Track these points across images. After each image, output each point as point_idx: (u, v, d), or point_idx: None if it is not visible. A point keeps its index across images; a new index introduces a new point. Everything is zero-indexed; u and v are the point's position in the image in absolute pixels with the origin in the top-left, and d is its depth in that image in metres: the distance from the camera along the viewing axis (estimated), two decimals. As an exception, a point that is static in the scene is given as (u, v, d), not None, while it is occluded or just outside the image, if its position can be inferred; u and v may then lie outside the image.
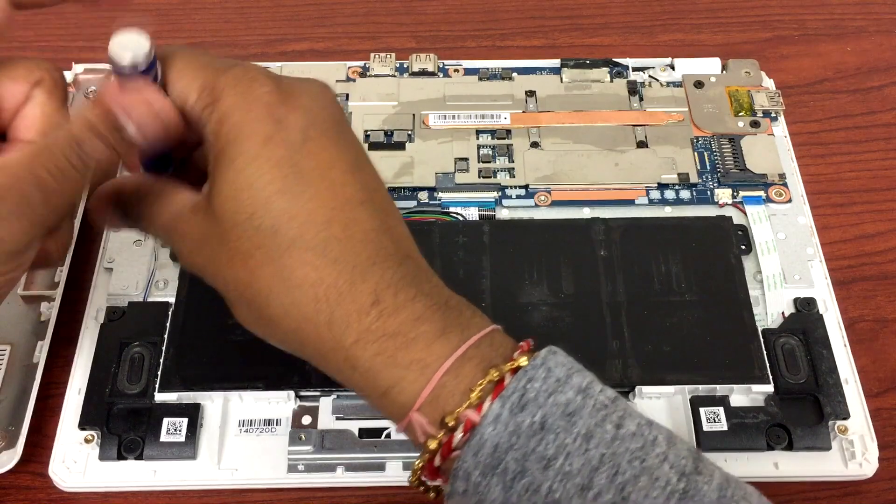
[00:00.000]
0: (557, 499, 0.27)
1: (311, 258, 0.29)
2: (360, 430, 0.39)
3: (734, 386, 0.40)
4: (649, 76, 0.52)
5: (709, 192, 0.47)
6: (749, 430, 0.39)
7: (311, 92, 0.31)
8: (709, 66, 0.53)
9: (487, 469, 0.28)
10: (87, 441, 0.39)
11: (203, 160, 0.31)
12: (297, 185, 0.29)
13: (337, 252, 0.29)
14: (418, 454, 0.30)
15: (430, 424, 0.29)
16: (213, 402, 0.40)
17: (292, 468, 0.39)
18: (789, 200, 0.47)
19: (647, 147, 0.49)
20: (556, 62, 0.53)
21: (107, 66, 0.53)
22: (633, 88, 0.52)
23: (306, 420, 0.40)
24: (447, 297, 0.31)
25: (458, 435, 0.28)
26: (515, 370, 0.29)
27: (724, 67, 0.53)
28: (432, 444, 0.29)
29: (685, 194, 0.47)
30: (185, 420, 0.39)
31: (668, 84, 0.52)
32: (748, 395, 0.40)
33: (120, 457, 0.39)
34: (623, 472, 0.27)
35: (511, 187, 0.47)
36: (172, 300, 0.42)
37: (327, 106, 0.31)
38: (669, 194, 0.47)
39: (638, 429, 0.28)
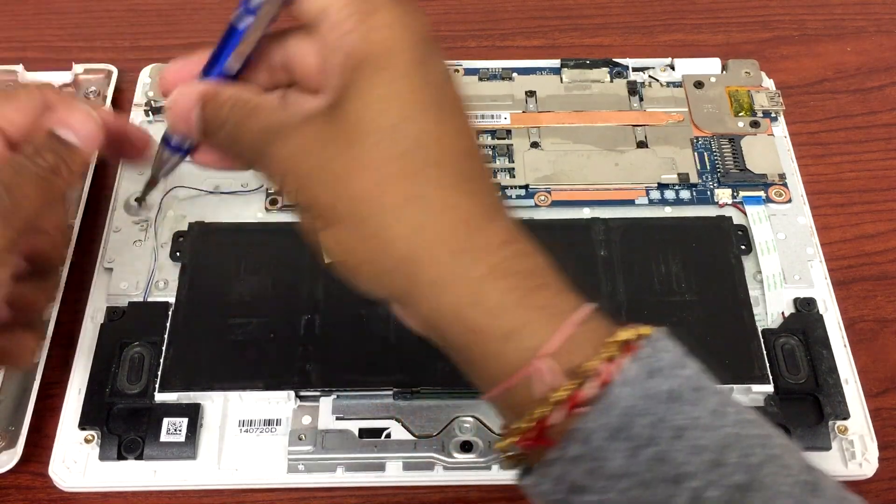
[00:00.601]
0: (686, 472, 0.25)
1: (451, 182, 0.27)
2: (360, 430, 0.39)
3: (734, 386, 0.40)
4: (649, 76, 0.52)
5: (709, 193, 0.47)
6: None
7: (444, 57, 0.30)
8: (709, 66, 0.53)
9: (614, 432, 0.25)
10: (87, 441, 0.39)
11: (304, 71, 0.31)
12: (440, 112, 0.28)
13: (475, 184, 0.28)
14: (503, 426, 0.28)
15: (558, 373, 0.26)
16: (213, 402, 0.40)
17: (292, 468, 0.39)
18: (789, 200, 0.47)
19: (647, 147, 0.49)
20: (556, 62, 0.53)
21: (107, 67, 0.53)
22: (633, 88, 0.52)
23: (306, 420, 0.40)
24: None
25: (589, 388, 0.26)
26: (639, 337, 0.27)
27: (724, 67, 0.53)
28: (558, 396, 0.26)
29: (685, 194, 0.47)
30: (185, 420, 0.39)
31: (668, 84, 0.52)
32: (748, 395, 0.40)
33: (120, 457, 0.39)
34: (753, 455, 0.25)
35: (511, 187, 0.47)
36: (172, 300, 0.42)
37: (455, 76, 0.31)
38: (669, 194, 0.47)
39: (757, 417, 0.27)
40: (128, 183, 0.48)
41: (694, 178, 0.48)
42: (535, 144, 0.49)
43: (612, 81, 0.52)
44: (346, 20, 0.29)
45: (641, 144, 0.49)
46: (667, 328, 0.28)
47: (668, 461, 0.25)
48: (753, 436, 0.26)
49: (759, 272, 0.44)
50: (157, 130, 0.50)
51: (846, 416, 0.40)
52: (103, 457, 0.39)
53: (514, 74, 0.52)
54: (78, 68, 0.52)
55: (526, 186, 0.47)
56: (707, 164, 0.48)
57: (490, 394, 0.28)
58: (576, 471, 0.26)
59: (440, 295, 0.27)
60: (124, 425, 0.39)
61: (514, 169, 0.48)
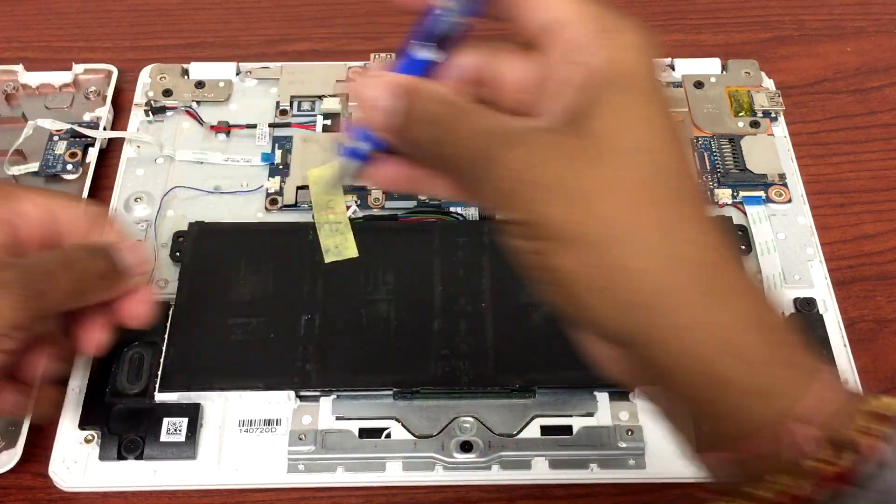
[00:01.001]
0: None
1: (697, 218, 0.26)
2: (360, 430, 0.39)
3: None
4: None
5: (709, 193, 0.47)
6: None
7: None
8: (709, 66, 0.53)
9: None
10: (87, 441, 0.39)
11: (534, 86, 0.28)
12: (680, 143, 0.27)
13: (713, 224, 0.26)
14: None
15: (815, 441, 0.24)
16: (213, 402, 0.40)
17: (292, 468, 0.39)
18: (789, 201, 0.47)
19: (647, 147, 0.49)
20: (556, 62, 0.53)
21: (108, 67, 0.53)
22: (633, 88, 0.52)
23: (306, 420, 0.40)
24: None
25: (851, 463, 0.23)
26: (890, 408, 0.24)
27: (723, 68, 0.53)
28: (817, 466, 0.24)
29: (685, 194, 0.47)
30: (185, 420, 0.39)
31: (668, 84, 0.52)
32: (748, 395, 0.40)
33: (120, 457, 0.39)
34: None
35: (511, 187, 0.47)
36: (172, 300, 0.42)
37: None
38: (669, 194, 0.47)
39: None
40: (127, 182, 0.48)
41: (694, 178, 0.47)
42: (535, 144, 0.49)
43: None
44: (590, 39, 0.27)
45: (641, 144, 0.49)
46: None
47: None
48: None
49: (760, 272, 0.44)
50: (157, 130, 0.50)
51: (846, 416, 0.40)
52: (103, 457, 0.39)
53: (514, 74, 0.52)
54: (78, 68, 0.52)
55: (526, 186, 0.47)
56: (707, 164, 0.48)
57: (721, 453, 0.26)
58: None
59: (688, 339, 0.25)
60: (124, 425, 0.39)
61: (514, 169, 0.48)
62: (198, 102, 0.51)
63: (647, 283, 0.25)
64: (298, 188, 0.47)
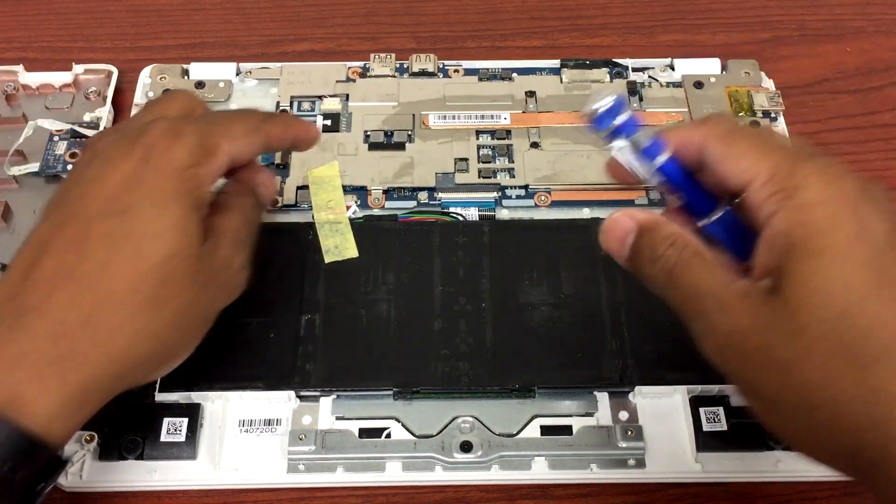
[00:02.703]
0: None
1: None
2: (360, 430, 0.39)
3: (733, 386, 0.40)
4: (649, 76, 0.52)
5: (709, 193, 0.47)
6: (749, 430, 0.39)
7: (887, 201, 0.29)
8: (708, 66, 0.53)
9: None
10: (86, 441, 0.39)
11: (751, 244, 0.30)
12: (887, 291, 0.27)
13: None
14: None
15: None
16: (213, 402, 0.40)
17: (292, 468, 0.39)
18: (789, 200, 0.47)
19: (646, 147, 0.49)
20: (555, 62, 0.53)
21: (108, 67, 0.54)
22: (633, 89, 0.52)
23: (306, 420, 0.40)
24: None
25: None
26: None
27: (723, 68, 0.53)
28: None
29: (685, 194, 0.47)
30: (185, 420, 0.39)
31: (668, 84, 0.52)
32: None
33: (120, 457, 0.39)
34: None
35: (511, 187, 0.47)
36: (172, 300, 0.42)
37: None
38: (669, 194, 0.47)
39: None
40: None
41: (694, 179, 0.48)
42: (534, 145, 0.49)
43: (611, 82, 0.52)
44: (770, 199, 0.28)
45: (641, 144, 0.49)
46: None
47: None
48: None
49: (759, 272, 0.44)
50: (157, 130, 0.50)
51: (846, 416, 0.40)
52: (103, 457, 0.39)
53: (514, 75, 0.52)
54: (78, 68, 0.52)
55: (526, 186, 0.47)
56: (707, 164, 0.48)
57: None
58: None
59: (885, 478, 0.27)
60: (124, 425, 0.39)
61: (514, 169, 0.48)
62: (198, 103, 0.51)
63: (855, 438, 0.26)
64: (298, 188, 0.47)
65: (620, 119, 0.33)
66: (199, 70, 0.52)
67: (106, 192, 0.33)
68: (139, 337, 0.33)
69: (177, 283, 0.33)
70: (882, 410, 0.26)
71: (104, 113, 0.50)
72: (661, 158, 0.32)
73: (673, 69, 0.53)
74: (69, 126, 0.49)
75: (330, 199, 0.45)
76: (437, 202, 0.47)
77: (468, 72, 0.53)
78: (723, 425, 0.39)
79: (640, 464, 0.39)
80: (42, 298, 0.31)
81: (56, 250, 0.32)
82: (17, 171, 0.48)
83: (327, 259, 0.44)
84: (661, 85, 0.52)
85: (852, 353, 0.26)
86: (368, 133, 0.49)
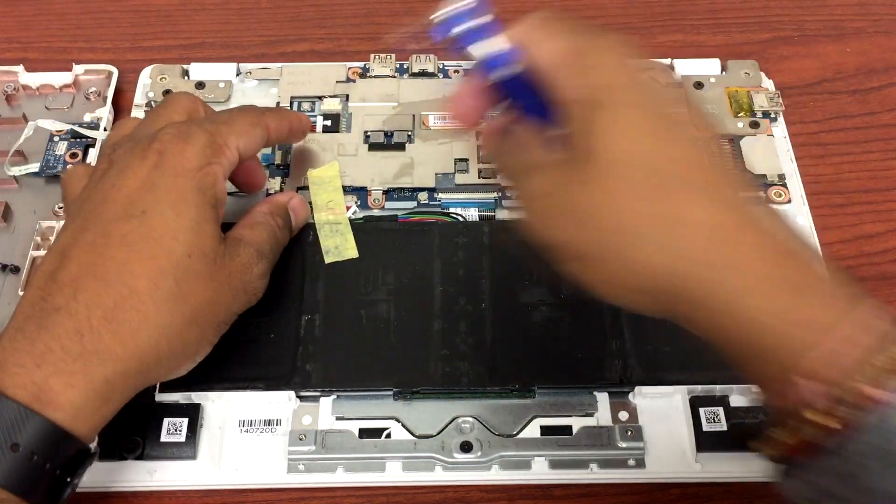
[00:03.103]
0: None
1: (700, 198, 0.29)
2: (360, 430, 0.39)
3: (734, 386, 0.40)
4: (649, 77, 0.52)
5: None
6: (749, 430, 0.39)
7: (658, 70, 0.34)
8: (708, 66, 0.53)
9: (879, 453, 0.25)
10: (87, 441, 0.39)
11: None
12: (670, 131, 0.30)
13: (722, 194, 0.29)
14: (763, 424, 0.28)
15: (818, 394, 0.26)
16: (213, 403, 0.40)
17: (292, 468, 0.39)
18: (789, 201, 0.47)
19: (646, 147, 0.49)
20: (555, 63, 0.53)
21: (108, 67, 0.54)
22: (633, 89, 0.52)
23: (306, 420, 0.40)
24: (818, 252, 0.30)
25: (852, 413, 0.25)
26: None
27: (723, 68, 0.53)
28: (817, 418, 0.26)
29: (685, 195, 0.47)
30: (185, 420, 0.39)
31: (668, 85, 0.52)
32: (748, 395, 0.40)
33: (120, 457, 0.39)
34: None
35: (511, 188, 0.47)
36: (172, 300, 0.42)
37: (671, 87, 0.34)
38: (669, 195, 0.47)
39: None
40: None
41: (694, 179, 0.48)
42: (534, 145, 0.49)
43: (611, 82, 0.52)
44: (569, 74, 0.31)
45: (641, 145, 0.49)
46: None
47: None
48: None
49: (759, 272, 0.44)
50: (157, 131, 0.50)
51: (846, 416, 0.40)
52: (103, 457, 0.38)
53: (514, 75, 0.52)
54: (78, 69, 0.52)
55: (526, 187, 0.47)
56: (707, 164, 0.48)
57: (759, 395, 0.29)
58: (840, 487, 0.26)
59: (701, 309, 0.28)
60: (124, 425, 0.39)
61: (513, 169, 0.48)
62: (198, 103, 0.51)
63: (662, 274, 0.28)
64: (299, 189, 0.47)
65: (479, 20, 0.34)
66: (199, 70, 0.52)
67: (123, 198, 0.35)
68: (160, 333, 0.34)
69: (195, 281, 0.35)
70: (679, 236, 0.28)
71: (104, 113, 0.50)
72: (516, 68, 0.33)
73: (673, 69, 0.53)
74: (69, 126, 0.49)
75: (330, 199, 0.45)
76: (437, 203, 0.47)
77: (468, 72, 0.53)
78: (723, 425, 0.39)
79: (640, 464, 0.39)
80: (67, 299, 0.33)
81: (78, 253, 0.34)
82: (17, 171, 0.48)
83: (327, 259, 0.44)
84: (661, 85, 0.52)
85: (647, 189, 0.29)
86: (368, 133, 0.49)
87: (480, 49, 0.34)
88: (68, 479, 0.33)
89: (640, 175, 0.29)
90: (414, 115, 0.50)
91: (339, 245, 0.44)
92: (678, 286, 0.28)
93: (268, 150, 0.49)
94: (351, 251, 0.44)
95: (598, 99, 0.30)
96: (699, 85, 0.52)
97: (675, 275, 0.28)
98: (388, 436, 0.39)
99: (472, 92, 0.35)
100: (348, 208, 0.46)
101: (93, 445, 0.34)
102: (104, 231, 0.34)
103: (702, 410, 0.40)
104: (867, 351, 0.26)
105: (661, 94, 0.31)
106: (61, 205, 0.46)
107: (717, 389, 0.40)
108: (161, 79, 0.52)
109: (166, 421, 0.39)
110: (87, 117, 0.50)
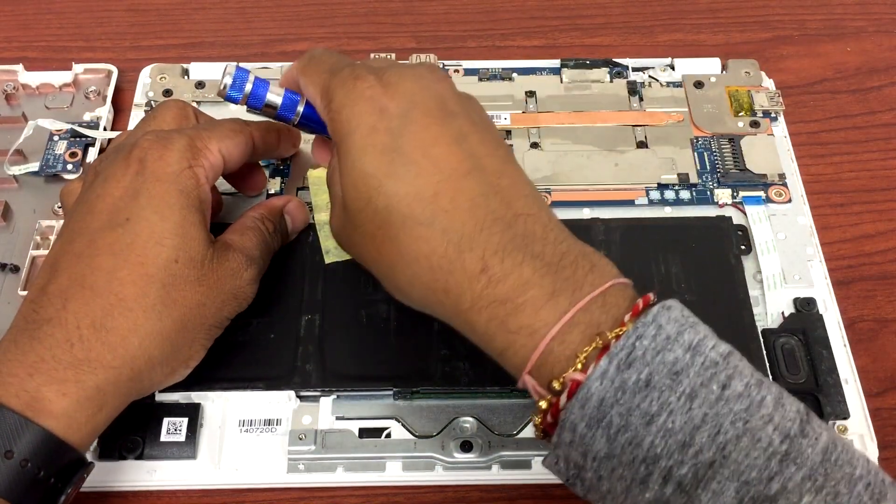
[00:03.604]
0: (658, 454, 0.28)
1: (422, 232, 0.31)
2: (360, 430, 0.39)
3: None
4: (649, 76, 0.52)
5: (708, 193, 0.47)
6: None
7: (415, 75, 0.34)
8: (709, 66, 0.53)
9: (593, 422, 0.29)
10: (87, 441, 0.39)
11: None
12: (402, 168, 0.32)
13: (445, 223, 0.31)
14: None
15: (539, 387, 0.31)
16: (213, 403, 0.40)
17: (292, 468, 0.39)
18: (789, 200, 0.47)
19: (646, 147, 0.49)
20: (555, 62, 0.53)
21: (108, 66, 0.53)
22: (633, 89, 0.52)
23: (306, 420, 0.40)
24: (562, 253, 0.32)
25: (564, 398, 0.29)
26: (617, 336, 0.29)
27: (723, 67, 0.53)
28: (543, 404, 0.30)
29: (685, 194, 0.47)
30: (185, 420, 0.39)
31: (668, 84, 0.52)
32: (748, 395, 0.40)
33: (120, 457, 0.39)
34: (725, 432, 0.28)
35: (511, 187, 0.47)
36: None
37: (430, 86, 0.34)
38: (669, 195, 0.47)
39: (745, 389, 0.29)
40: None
41: (694, 179, 0.48)
42: (534, 145, 0.49)
43: (611, 81, 0.52)
44: (323, 114, 0.36)
45: (641, 144, 0.49)
46: (672, 301, 0.31)
47: (642, 444, 0.28)
48: (731, 413, 0.28)
49: (759, 272, 0.44)
50: (157, 130, 0.50)
51: (846, 416, 0.40)
52: (103, 456, 0.39)
53: (514, 75, 0.52)
54: (78, 68, 0.52)
55: (526, 186, 0.47)
56: (707, 164, 0.48)
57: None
58: (574, 453, 0.30)
59: (452, 324, 0.33)
60: (124, 425, 0.39)
61: (514, 169, 0.48)
62: (198, 103, 0.51)
63: (414, 294, 0.33)
64: (298, 189, 0.47)
65: (248, 87, 0.38)
66: (199, 70, 0.52)
67: (108, 207, 0.35)
68: (150, 339, 0.34)
69: (183, 286, 0.35)
70: (410, 272, 0.32)
71: (104, 112, 0.50)
72: (300, 109, 0.38)
73: (673, 69, 0.53)
74: (69, 126, 0.49)
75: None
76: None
77: (468, 72, 0.53)
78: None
79: (640, 464, 0.39)
80: (57, 309, 0.34)
81: (67, 265, 0.35)
82: (16, 170, 0.48)
83: (327, 260, 0.44)
84: (662, 85, 0.52)
85: (384, 231, 0.32)
86: (368, 133, 0.49)
87: (272, 100, 0.39)
88: (61, 487, 0.33)
89: (377, 219, 0.32)
90: (414, 115, 0.50)
91: (339, 245, 0.44)
92: (430, 308, 0.33)
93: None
94: (351, 251, 0.44)
95: (337, 146, 0.34)
96: (699, 84, 0.52)
97: (423, 299, 0.33)
98: (388, 435, 0.39)
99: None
100: (348, 208, 0.46)
101: (89, 455, 0.34)
102: (90, 241, 0.35)
103: (702, 410, 0.40)
104: (577, 343, 0.30)
105: (396, 115, 0.33)
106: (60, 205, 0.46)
107: (717, 389, 0.40)
108: (161, 78, 0.52)
109: (166, 421, 0.39)
110: (87, 116, 0.50)
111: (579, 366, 0.29)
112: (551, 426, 0.31)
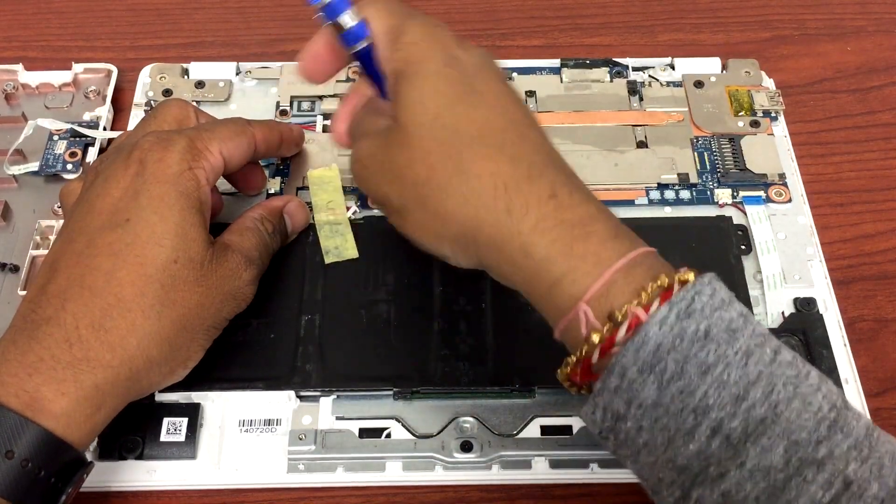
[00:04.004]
0: (710, 405, 0.28)
1: (491, 153, 0.32)
2: (360, 430, 0.39)
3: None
4: (649, 76, 0.52)
5: (709, 193, 0.47)
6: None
7: (482, 51, 0.36)
8: (709, 65, 0.53)
9: (646, 367, 0.29)
10: (87, 441, 0.39)
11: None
12: (474, 98, 0.33)
13: (514, 151, 0.32)
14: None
15: (596, 317, 0.30)
16: (213, 403, 0.40)
17: (292, 468, 0.39)
18: (789, 200, 0.47)
19: (646, 147, 0.49)
20: (555, 62, 0.53)
21: (108, 66, 0.53)
22: (633, 88, 0.52)
23: (306, 420, 0.40)
24: (611, 211, 0.33)
25: (623, 330, 0.29)
26: (684, 282, 0.30)
27: (724, 67, 0.53)
28: (596, 337, 0.30)
29: (685, 194, 0.47)
30: (185, 420, 0.39)
31: (668, 84, 0.52)
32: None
33: (120, 457, 0.39)
34: (778, 392, 0.28)
35: (511, 187, 0.47)
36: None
37: (494, 64, 0.36)
38: (669, 194, 0.47)
39: (794, 359, 0.29)
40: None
41: (694, 178, 0.48)
42: (535, 144, 0.49)
43: (611, 81, 0.52)
44: (383, 49, 0.35)
45: (641, 144, 0.49)
46: (715, 274, 0.31)
47: (695, 395, 0.28)
48: (784, 375, 0.29)
49: (759, 272, 0.44)
50: (156, 130, 0.50)
51: (846, 416, 0.40)
52: (103, 456, 0.39)
53: (514, 74, 0.52)
54: (78, 68, 0.52)
55: (526, 186, 0.47)
56: (707, 163, 0.48)
57: (554, 331, 0.32)
58: (617, 401, 0.30)
59: (498, 253, 0.32)
60: (124, 425, 0.39)
61: (514, 169, 0.48)
62: (198, 102, 0.51)
63: (458, 220, 0.32)
64: (299, 189, 0.47)
65: None
66: (199, 70, 0.52)
67: (108, 207, 0.36)
68: (149, 339, 0.34)
69: (182, 287, 0.35)
70: (472, 187, 0.32)
71: (104, 112, 0.50)
72: (364, 43, 0.36)
73: (673, 68, 0.53)
74: (69, 125, 0.49)
75: (330, 200, 0.45)
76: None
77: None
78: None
79: (640, 464, 0.39)
80: (56, 309, 0.34)
81: (66, 265, 0.35)
82: (16, 170, 0.48)
83: (328, 260, 0.44)
84: (662, 84, 0.52)
85: (446, 147, 0.32)
86: (368, 133, 0.49)
87: (345, 20, 0.36)
88: (61, 487, 0.33)
89: (440, 136, 0.32)
90: (414, 115, 0.50)
91: (339, 246, 0.44)
92: (477, 231, 0.32)
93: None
94: (351, 252, 0.44)
95: (403, 71, 0.34)
96: (699, 84, 0.52)
97: (474, 220, 0.32)
98: (388, 436, 0.39)
99: (325, 51, 0.37)
100: (348, 209, 0.46)
101: (89, 455, 0.34)
102: (90, 241, 0.35)
103: (702, 410, 0.40)
104: (641, 280, 0.30)
105: (469, 64, 0.34)
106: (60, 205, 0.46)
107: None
108: (161, 78, 0.52)
109: (166, 421, 0.39)
110: (87, 116, 0.50)
111: (644, 300, 0.29)
112: (586, 370, 0.31)
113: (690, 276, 0.30)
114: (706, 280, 0.30)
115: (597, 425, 0.31)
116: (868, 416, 0.30)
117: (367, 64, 0.36)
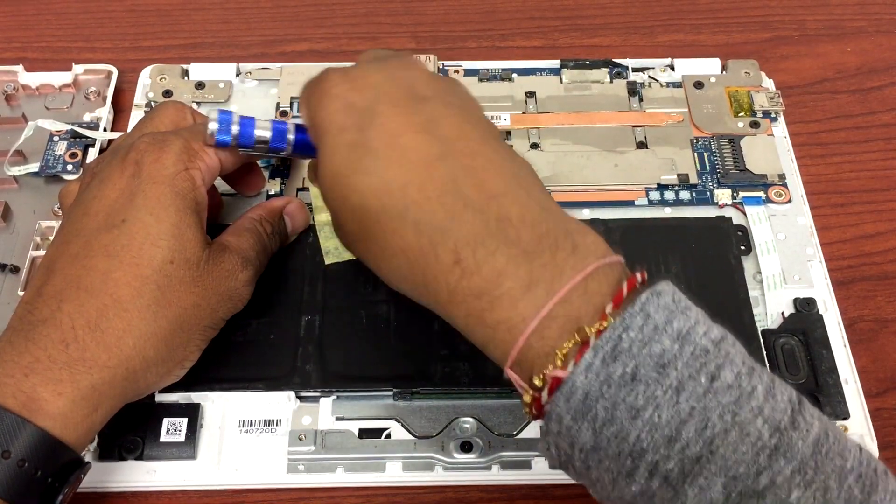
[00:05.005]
0: (644, 448, 0.28)
1: (396, 226, 0.31)
2: (360, 430, 0.39)
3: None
4: (649, 77, 0.52)
5: (708, 193, 0.47)
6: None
7: (381, 66, 0.34)
8: (709, 66, 0.53)
9: (578, 415, 0.28)
10: (87, 441, 0.39)
11: None
12: (370, 162, 0.31)
13: (416, 215, 0.30)
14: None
15: (521, 381, 0.30)
16: (213, 403, 0.40)
17: (292, 468, 0.39)
18: (789, 201, 0.47)
19: (646, 148, 0.49)
20: (555, 63, 0.53)
21: (108, 67, 0.54)
22: (633, 89, 0.52)
23: (306, 420, 0.40)
24: (541, 235, 0.30)
25: (545, 394, 0.29)
26: (602, 331, 0.28)
27: (723, 68, 0.53)
28: (526, 398, 0.30)
29: (685, 195, 0.47)
30: (185, 420, 0.39)
31: (668, 84, 0.52)
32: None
33: (120, 457, 0.39)
34: (713, 426, 0.27)
35: (511, 188, 0.47)
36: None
37: (396, 75, 0.34)
38: (669, 195, 0.47)
39: (735, 380, 0.28)
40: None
41: (694, 179, 0.48)
42: (534, 145, 0.49)
43: (611, 82, 0.52)
44: (304, 119, 0.36)
45: (641, 145, 0.49)
46: (665, 285, 0.30)
47: (628, 438, 0.28)
48: (719, 406, 0.27)
49: (759, 272, 0.44)
50: (157, 131, 0.50)
51: (846, 417, 0.40)
52: (103, 457, 0.39)
53: (514, 75, 0.52)
54: (78, 68, 0.52)
55: (526, 187, 0.47)
56: (707, 164, 0.48)
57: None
58: (561, 443, 0.30)
59: (441, 316, 0.32)
60: (124, 425, 0.39)
61: (513, 169, 0.48)
62: (198, 103, 0.51)
63: (402, 288, 0.33)
64: (298, 190, 0.47)
65: (235, 128, 0.38)
66: (199, 70, 0.52)
67: (104, 208, 0.36)
68: (145, 339, 0.34)
69: (178, 287, 0.35)
70: (390, 266, 0.32)
71: (104, 113, 0.50)
72: (291, 137, 0.38)
73: (673, 69, 0.53)
74: (69, 126, 0.49)
75: None
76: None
77: (468, 72, 0.53)
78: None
79: (640, 464, 0.39)
80: (52, 310, 0.34)
81: (63, 266, 0.35)
82: (17, 171, 0.48)
83: (328, 260, 0.44)
84: (662, 85, 0.52)
85: (362, 227, 0.32)
86: (368, 133, 0.49)
87: (260, 136, 0.38)
88: (59, 487, 0.33)
89: (348, 217, 0.32)
90: (414, 115, 0.50)
91: (339, 246, 0.44)
92: (418, 301, 0.33)
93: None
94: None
95: (317, 147, 0.34)
96: (699, 84, 0.52)
97: (409, 294, 0.32)
98: (388, 436, 0.39)
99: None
100: (348, 208, 0.46)
101: (88, 456, 0.34)
102: (86, 242, 0.35)
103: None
104: (556, 337, 0.29)
105: (370, 112, 0.32)
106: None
107: (717, 390, 0.40)
108: (161, 79, 0.52)
109: (166, 421, 0.39)
110: (87, 117, 0.50)
111: (559, 363, 0.29)
112: (540, 413, 0.30)
113: (610, 320, 0.29)
114: (637, 308, 0.28)
115: (554, 459, 0.31)
116: (823, 421, 0.28)
117: (313, 152, 0.36)
